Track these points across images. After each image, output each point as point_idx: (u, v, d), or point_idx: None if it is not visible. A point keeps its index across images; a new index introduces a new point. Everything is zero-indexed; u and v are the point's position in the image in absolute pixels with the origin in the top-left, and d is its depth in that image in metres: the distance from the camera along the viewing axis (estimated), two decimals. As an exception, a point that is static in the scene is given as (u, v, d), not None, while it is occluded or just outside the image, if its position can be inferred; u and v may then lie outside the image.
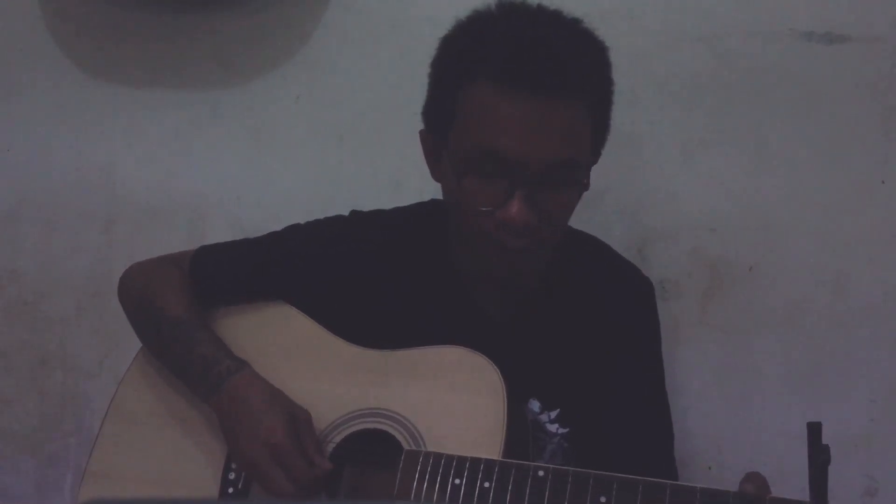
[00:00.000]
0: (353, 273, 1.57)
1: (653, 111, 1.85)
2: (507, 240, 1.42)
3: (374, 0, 1.95)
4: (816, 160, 1.80)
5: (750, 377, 1.82)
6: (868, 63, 1.78)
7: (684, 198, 1.85)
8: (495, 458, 1.36)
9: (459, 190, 1.43)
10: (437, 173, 1.53)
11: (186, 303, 1.58)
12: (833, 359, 1.79)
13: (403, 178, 1.90)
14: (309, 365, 1.53)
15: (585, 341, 1.56)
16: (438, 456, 1.37)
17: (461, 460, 1.36)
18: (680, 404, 1.78)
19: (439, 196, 1.57)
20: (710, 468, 1.82)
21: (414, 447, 1.40)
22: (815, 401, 1.79)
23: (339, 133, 1.97)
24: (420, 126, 1.55)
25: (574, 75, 1.40)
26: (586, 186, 1.46)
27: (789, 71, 1.81)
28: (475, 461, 1.35)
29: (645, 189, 1.86)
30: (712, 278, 1.84)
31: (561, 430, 1.53)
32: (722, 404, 1.83)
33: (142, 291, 1.62)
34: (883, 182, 1.78)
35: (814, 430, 1.17)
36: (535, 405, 1.53)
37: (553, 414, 1.54)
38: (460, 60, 1.45)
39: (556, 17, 1.47)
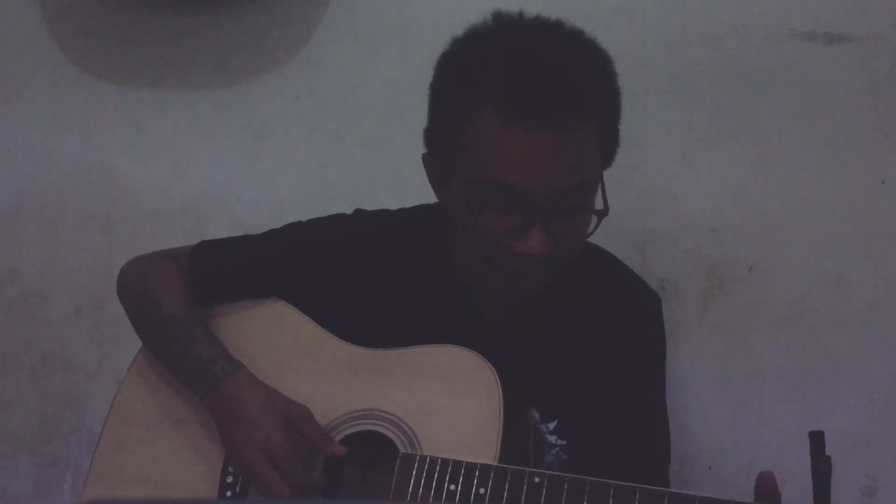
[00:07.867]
0: (351, 271, 1.56)
1: (653, 111, 1.85)
2: (522, 268, 1.42)
3: (374, 0, 1.95)
4: (816, 160, 1.80)
5: (750, 377, 1.82)
6: (868, 63, 1.78)
7: (684, 198, 1.85)
8: (491, 460, 1.35)
9: (474, 222, 1.41)
10: (443, 196, 1.51)
11: (184, 300, 1.57)
12: (833, 359, 1.79)
13: (403, 178, 1.89)
14: (305, 364, 1.52)
15: (584, 353, 1.54)
16: (434, 460, 1.36)
17: (457, 465, 1.35)
18: (680, 404, 1.78)
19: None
20: (709, 468, 1.81)
21: (409, 449, 1.39)
22: (815, 401, 1.79)
23: (339, 133, 1.97)
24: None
25: (581, 101, 1.36)
26: (606, 212, 1.43)
27: (789, 71, 1.81)
28: (470, 466, 1.34)
29: (645, 189, 1.86)
30: (712, 278, 1.84)
31: (560, 442, 1.52)
32: (722, 404, 1.83)
33: (140, 287, 1.61)
34: (883, 182, 1.78)
35: (816, 439, 1.15)
36: (535, 415, 1.52)
37: (551, 425, 1.53)
38: (462, 88, 1.40)
39: (556, 32, 1.42)
